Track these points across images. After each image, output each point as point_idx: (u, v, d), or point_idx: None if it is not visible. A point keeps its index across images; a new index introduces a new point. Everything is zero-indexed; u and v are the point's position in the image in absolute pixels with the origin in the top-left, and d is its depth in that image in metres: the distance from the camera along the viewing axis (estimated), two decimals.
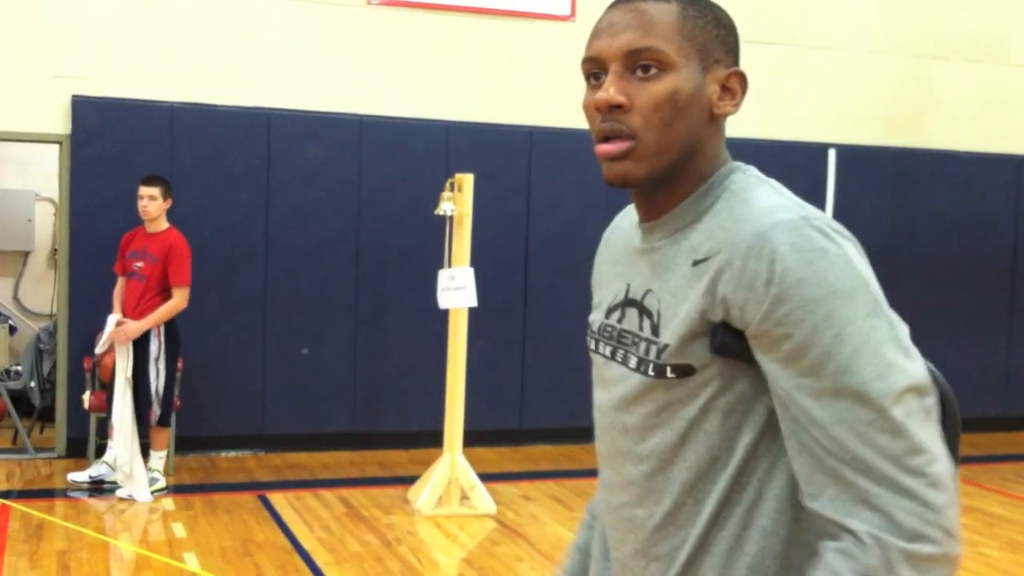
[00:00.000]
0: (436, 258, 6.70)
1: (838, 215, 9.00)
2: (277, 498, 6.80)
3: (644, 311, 1.49)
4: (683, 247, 1.45)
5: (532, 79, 8.38)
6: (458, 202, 6.55)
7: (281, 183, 7.90)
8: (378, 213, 8.03)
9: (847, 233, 1.39)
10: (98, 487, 6.81)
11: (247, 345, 7.89)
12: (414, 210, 7.70)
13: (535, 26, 8.50)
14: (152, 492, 6.70)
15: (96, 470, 6.85)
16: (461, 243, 6.58)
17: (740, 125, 9.12)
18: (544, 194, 8.39)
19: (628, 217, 1.66)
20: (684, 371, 1.42)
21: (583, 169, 8.52)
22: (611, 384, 1.56)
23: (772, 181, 1.49)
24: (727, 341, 1.38)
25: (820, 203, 9.06)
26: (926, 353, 1.40)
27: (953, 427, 1.46)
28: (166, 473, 6.99)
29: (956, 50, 9.49)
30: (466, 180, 6.61)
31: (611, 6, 1.50)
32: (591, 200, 8.40)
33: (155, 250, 6.79)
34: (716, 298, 1.38)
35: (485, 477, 6.76)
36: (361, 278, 8.05)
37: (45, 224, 9.73)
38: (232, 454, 7.91)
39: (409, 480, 7.00)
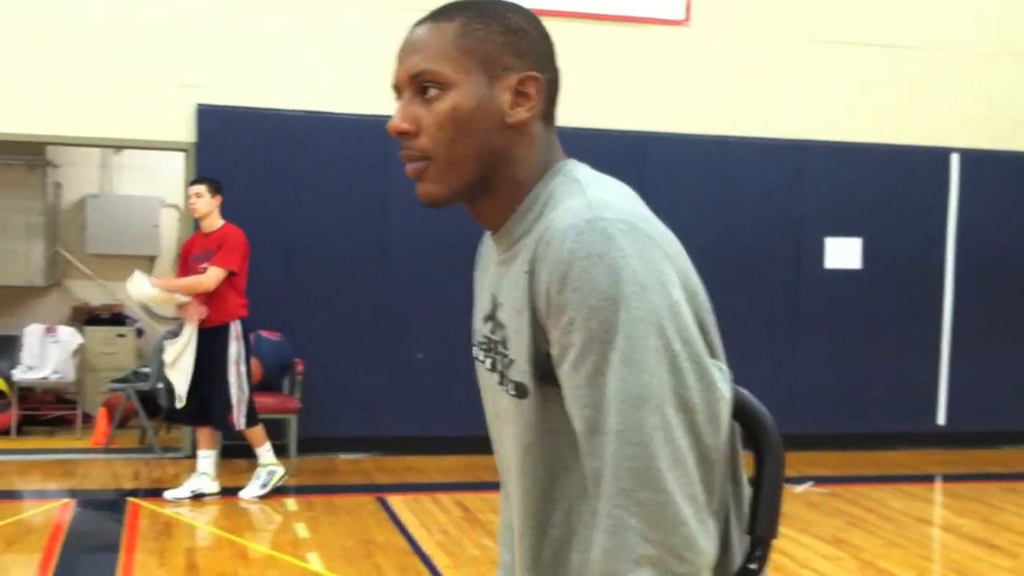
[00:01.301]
0: None
1: (961, 222, 8.84)
2: (395, 500, 6.89)
3: (498, 324, 1.49)
4: (521, 258, 1.44)
5: (645, 85, 8.36)
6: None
7: (397, 188, 8.00)
8: None
9: (644, 231, 1.33)
10: (198, 500, 6.80)
11: (365, 348, 8.01)
12: None
13: (648, 31, 8.48)
14: (272, 485, 6.79)
15: (195, 483, 6.85)
16: None
17: (857, 129, 9.03)
18: (658, 199, 8.34)
19: None
20: (521, 391, 1.42)
21: (698, 174, 8.48)
22: (490, 394, 1.58)
23: (585, 178, 1.44)
24: (548, 369, 1.37)
25: (943, 210, 8.88)
26: None
27: (773, 463, 1.45)
28: (289, 474, 7.11)
29: None
30: None
31: (410, 28, 1.52)
32: (705, 206, 8.36)
33: (213, 246, 6.75)
34: (534, 312, 1.37)
35: None
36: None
37: (170, 230, 10.01)
38: (350, 456, 8.04)
39: None
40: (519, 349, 1.41)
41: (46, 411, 8.98)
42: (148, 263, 10.14)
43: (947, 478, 8.21)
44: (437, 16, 1.48)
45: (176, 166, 8.71)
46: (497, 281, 1.51)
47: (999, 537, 6.48)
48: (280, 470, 6.90)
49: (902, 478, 7.98)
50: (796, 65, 8.77)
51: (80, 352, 8.99)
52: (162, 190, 9.98)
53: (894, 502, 7.20)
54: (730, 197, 8.54)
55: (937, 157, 8.87)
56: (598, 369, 1.29)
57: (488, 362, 1.55)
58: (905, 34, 8.89)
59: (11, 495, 7.00)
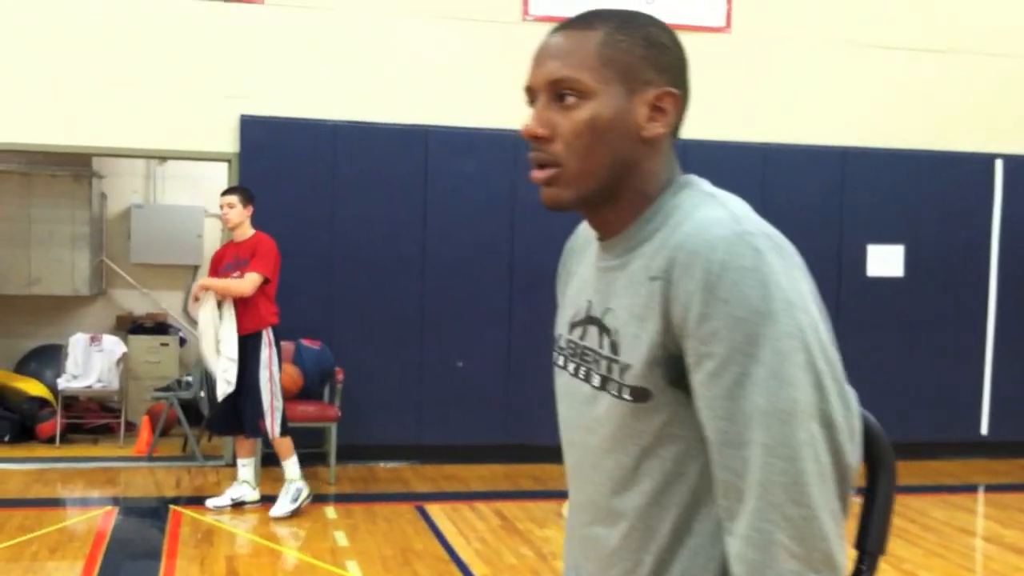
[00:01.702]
0: None
1: (1005, 229, 8.74)
2: (434, 509, 6.91)
3: (604, 329, 1.48)
4: (639, 265, 1.44)
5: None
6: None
7: (437, 197, 8.04)
8: (532, 226, 8.09)
9: (787, 249, 1.36)
10: (239, 508, 6.83)
11: (404, 356, 8.05)
12: (568, 223, 7.70)
13: (689, 39, 8.43)
14: (301, 503, 6.69)
15: (235, 492, 6.89)
16: None
17: (898, 135, 8.94)
18: None
19: (590, 229, 1.64)
20: (641, 395, 1.41)
21: (739, 181, 8.44)
22: (575, 401, 1.56)
23: (719, 193, 1.47)
24: (682, 374, 1.37)
25: (987, 216, 8.78)
26: None
27: (886, 482, 1.48)
28: (327, 482, 7.14)
29: None
30: None
31: (548, 33, 1.52)
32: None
33: (245, 254, 6.74)
34: (668, 320, 1.37)
35: None
36: (515, 290, 8.13)
37: (213, 239, 10.09)
38: (390, 464, 8.07)
39: (562, 494, 6.97)
40: (638, 354, 1.41)
41: (90, 419, 9.09)
42: (191, 272, 10.24)
43: (990, 488, 8.11)
44: (578, 24, 1.48)
45: (220, 176, 8.78)
46: (602, 286, 1.52)
47: None
48: (307, 489, 6.77)
49: (944, 488, 7.90)
50: (837, 71, 8.72)
51: (124, 361, 9.09)
52: (205, 200, 10.07)
53: (936, 512, 7.12)
54: (771, 204, 8.46)
55: (981, 163, 8.78)
56: (739, 382, 1.30)
57: (572, 367, 1.56)
58: (947, 39, 8.82)
59: (55, 502, 7.09)
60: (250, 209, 6.84)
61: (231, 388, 6.62)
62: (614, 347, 1.46)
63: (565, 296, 1.67)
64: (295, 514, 6.63)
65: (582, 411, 1.53)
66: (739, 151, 8.42)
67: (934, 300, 8.70)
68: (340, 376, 7.74)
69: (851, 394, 1.36)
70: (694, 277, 1.33)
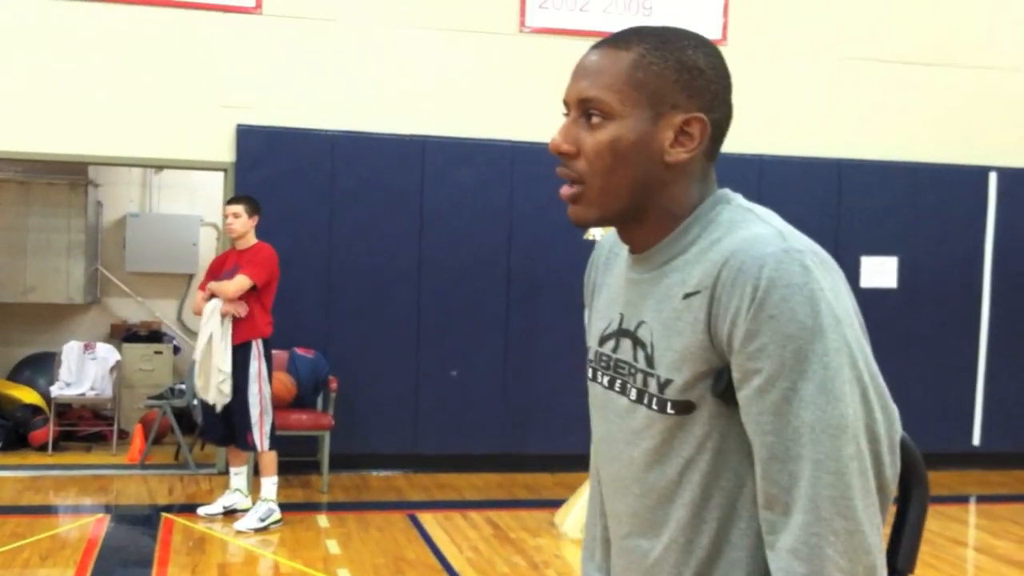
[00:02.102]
0: None
1: (999, 241, 8.77)
2: (427, 518, 6.91)
3: (638, 342, 1.49)
4: (673, 279, 1.46)
5: None
6: (608, 228, 6.57)
7: (434, 207, 8.06)
8: (528, 237, 8.12)
9: (831, 264, 1.38)
10: (231, 515, 6.77)
11: (400, 366, 8.05)
12: (564, 234, 7.74)
13: None
14: (269, 524, 6.56)
15: (227, 500, 6.86)
16: None
17: (893, 148, 8.96)
18: None
19: (616, 241, 1.66)
20: (684, 408, 1.42)
21: (738, 191, 8.45)
22: (612, 415, 1.56)
23: (758, 209, 1.48)
24: (726, 385, 1.38)
25: (980, 228, 8.81)
26: None
27: (919, 501, 1.50)
28: (319, 490, 7.12)
29: None
30: None
31: (589, 49, 1.52)
32: None
33: (244, 262, 6.67)
34: (711, 334, 1.39)
35: None
36: (511, 301, 8.14)
37: (208, 248, 10.11)
38: (384, 473, 8.07)
39: (555, 503, 7.03)
40: (679, 368, 1.42)
41: (83, 427, 9.09)
42: (186, 281, 10.24)
43: (982, 499, 8.12)
44: (616, 42, 1.48)
45: (216, 185, 8.81)
46: (633, 298, 1.53)
47: None
48: (279, 513, 6.62)
49: (937, 499, 7.83)
50: (832, 83, 8.75)
51: (117, 369, 9.09)
52: (201, 209, 10.09)
53: (929, 523, 7.08)
54: None
55: (975, 175, 8.81)
56: (787, 398, 1.32)
57: (607, 379, 1.57)
58: (941, 52, 8.85)
59: (47, 510, 7.08)
60: (255, 219, 6.78)
61: (227, 399, 6.60)
62: (649, 361, 1.47)
63: (594, 309, 1.68)
64: (258, 532, 6.50)
65: (620, 424, 1.54)
66: (735, 163, 8.39)
67: (927, 311, 8.72)
68: (334, 385, 7.74)
69: (894, 409, 1.38)
70: (742, 293, 1.34)
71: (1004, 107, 8.97)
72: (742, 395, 1.36)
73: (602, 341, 1.58)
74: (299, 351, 7.77)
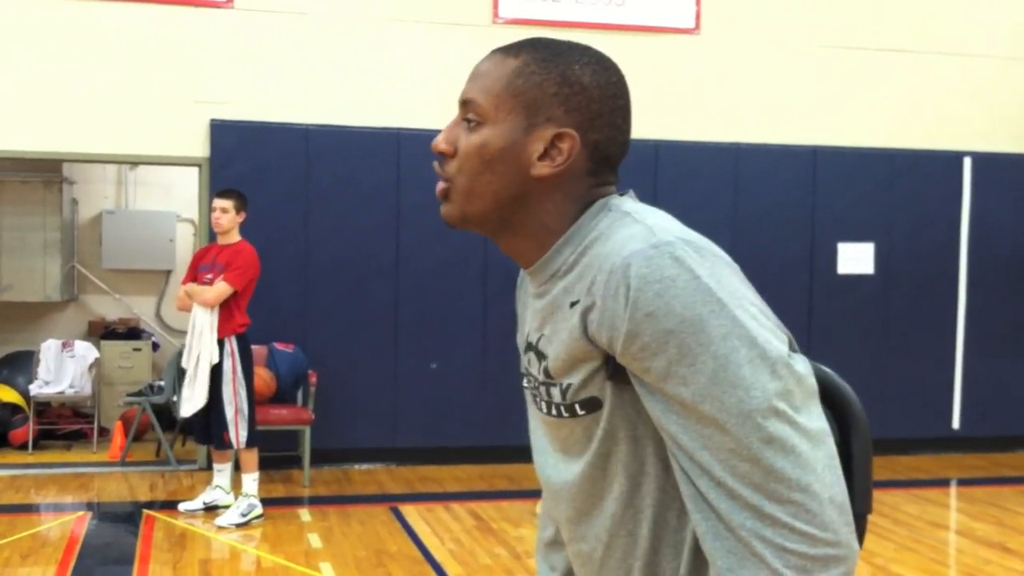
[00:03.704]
0: None
1: (974, 225, 8.83)
2: (409, 510, 6.92)
3: (540, 355, 1.48)
4: (560, 291, 1.44)
5: (657, 93, 8.38)
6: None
7: (411, 200, 8.05)
8: None
9: (709, 250, 1.33)
10: (212, 512, 6.76)
11: (379, 360, 8.05)
12: None
13: (659, 40, 8.50)
14: (250, 519, 6.57)
15: (209, 496, 6.85)
16: None
17: (868, 134, 9.02)
18: (671, 207, 8.34)
19: None
20: (592, 405, 1.41)
21: (710, 181, 8.48)
22: (537, 424, 1.57)
23: (639, 209, 1.43)
24: (619, 368, 1.36)
25: (956, 214, 8.87)
26: None
27: (860, 438, 1.44)
28: (301, 484, 7.12)
29: None
30: None
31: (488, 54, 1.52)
32: (717, 213, 8.37)
33: (223, 260, 6.66)
34: (589, 339, 1.37)
35: None
36: (489, 293, 8.15)
37: (185, 244, 10.08)
38: (365, 467, 8.07)
39: (537, 493, 6.98)
40: (577, 373, 1.41)
41: (63, 425, 9.05)
42: (164, 278, 10.21)
43: (961, 482, 8.18)
44: (508, 49, 1.48)
45: (190, 181, 8.78)
46: (535, 313, 1.52)
47: (1013, 541, 6.46)
48: (260, 508, 6.64)
49: (916, 483, 7.96)
50: (807, 71, 8.78)
51: (96, 366, 9.05)
52: (177, 205, 10.05)
53: (908, 507, 7.18)
54: (742, 204, 8.55)
55: (949, 161, 8.86)
56: (680, 394, 1.28)
57: (528, 393, 1.57)
58: (915, 39, 8.89)
59: (28, 508, 7.05)
60: (242, 216, 6.74)
61: (201, 404, 6.58)
62: (547, 372, 1.45)
63: (520, 322, 1.67)
64: (240, 527, 6.49)
65: (545, 433, 1.55)
66: (711, 151, 8.47)
67: (904, 297, 8.77)
68: (314, 379, 7.74)
69: (805, 370, 1.32)
70: (615, 296, 1.31)
71: (977, 93, 9.02)
72: (639, 392, 1.34)
73: (523, 355, 1.57)
74: (278, 346, 7.76)
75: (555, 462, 1.54)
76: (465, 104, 1.47)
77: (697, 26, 8.53)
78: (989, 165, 8.90)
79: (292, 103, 7.97)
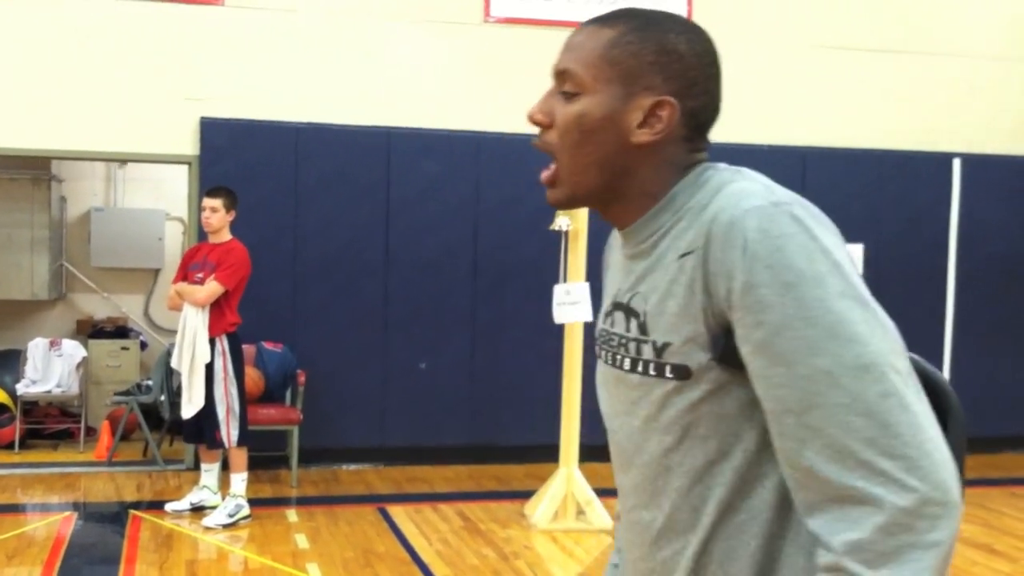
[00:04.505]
0: (552, 273, 6.74)
1: (963, 226, 8.83)
2: (397, 511, 6.90)
3: (630, 312, 1.49)
4: (666, 245, 1.45)
5: None
6: (573, 217, 6.57)
7: (401, 199, 8.03)
8: (495, 228, 8.10)
9: (822, 217, 1.36)
10: (199, 512, 6.73)
11: (368, 359, 8.03)
12: (531, 225, 7.74)
13: None
14: (238, 520, 6.55)
15: (196, 496, 6.83)
16: (576, 258, 6.60)
17: (857, 135, 9.00)
18: None
19: None
20: (682, 373, 1.40)
21: None
22: (612, 387, 1.56)
23: (745, 170, 1.47)
24: (730, 350, 1.36)
25: (945, 215, 8.87)
26: None
27: (957, 439, 1.44)
28: (289, 485, 7.10)
29: None
30: None
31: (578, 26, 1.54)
32: None
33: (214, 259, 6.64)
34: (709, 293, 1.36)
35: (601, 492, 6.74)
36: (478, 292, 8.13)
37: (174, 243, 10.04)
38: (353, 467, 8.05)
39: (526, 494, 7.03)
40: (676, 331, 1.40)
41: (50, 424, 9.01)
42: (152, 276, 10.17)
43: None
44: (603, 20, 1.49)
45: (180, 179, 8.75)
46: (628, 273, 1.52)
47: (1000, 542, 6.46)
48: (247, 509, 6.61)
49: None
50: (796, 71, 8.77)
51: (84, 365, 9.02)
52: (166, 203, 10.02)
53: None
54: None
55: (939, 162, 8.86)
56: (795, 347, 1.28)
57: (604, 354, 1.56)
58: (906, 40, 8.89)
59: (14, 508, 7.02)
60: (232, 215, 6.72)
61: (201, 404, 6.55)
62: (642, 328, 1.45)
63: (604, 292, 1.67)
64: (227, 528, 6.46)
65: (619, 396, 1.54)
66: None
67: (893, 297, 8.69)
68: (303, 379, 7.71)
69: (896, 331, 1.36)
70: (735, 247, 1.32)
71: (967, 94, 9.03)
72: (746, 351, 1.33)
73: (604, 318, 1.58)
74: (267, 345, 7.73)
75: (625, 425, 1.53)
76: (561, 75, 1.48)
77: None
78: (979, 166, 8.90)
79: (282, 101, 7.94)
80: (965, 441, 1.47)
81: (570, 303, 6.54)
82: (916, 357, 1.43)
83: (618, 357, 1.51)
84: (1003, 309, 8.97)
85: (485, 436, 8.18)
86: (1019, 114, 9.13)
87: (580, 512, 6.60)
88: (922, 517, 1.24)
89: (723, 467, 1.41)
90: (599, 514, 6.55)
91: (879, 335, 1.30)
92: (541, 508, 6.59)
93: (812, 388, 1.27)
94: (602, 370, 1.59)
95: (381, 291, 8.04)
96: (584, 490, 6.60)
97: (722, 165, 1.49)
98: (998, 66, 9.08)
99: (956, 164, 8.89)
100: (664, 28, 1.47)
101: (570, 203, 1.52)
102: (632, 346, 1.47)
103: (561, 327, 6.72)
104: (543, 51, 8.99)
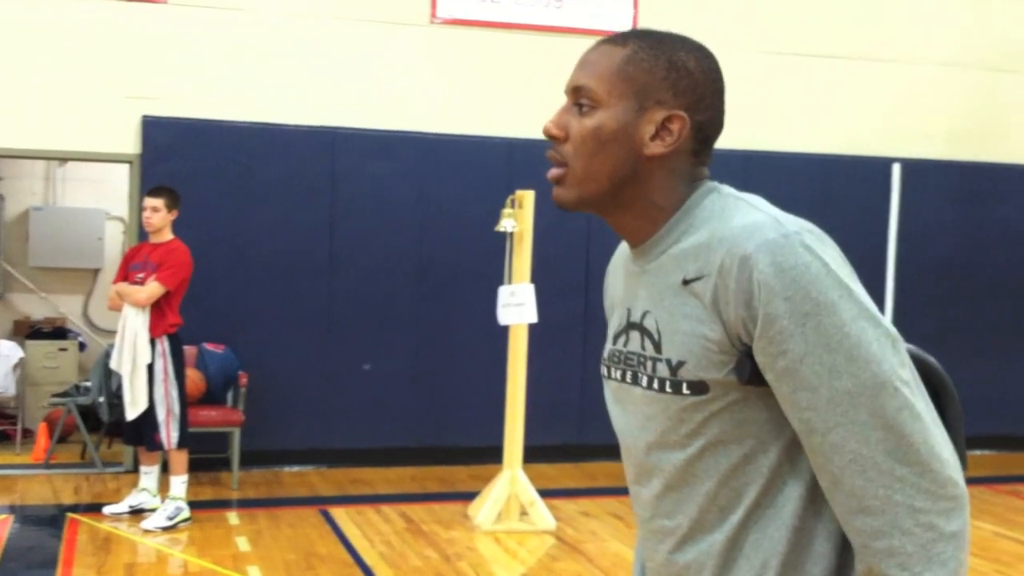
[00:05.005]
0: (498, 275, 6.74)
1: (903, 230, 8.93)
2: (339, 513, 6.86)
3: (645, 332, 1.57)
4: (671, 267, 1.54)
5: None
6: (519, 219, 6.58)
7: (346, 200, 8.00)
8: (441, 230, 8.09)
9: (826, 238, 1.46)
10: (138, 515, 6.63)
11: (311, 361, 7.98)
12: (477, 227, 7.73)
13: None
14: (177, 523, 6.46)
15: (135, 499, 6.74)
16: (522, 260, 6.61)
17: (803, 140, 9.08)
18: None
19: (622, 252, 1.74)
20: (699, 388, 1.49)
21: None
22: (629, 405, 1.63)
23: (747, 196, 1.56)
24: (755, 371, 1.45)
25: (884, 218, 8.98)
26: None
27: (954, 415, 1.55)
28: (230, 487, 7.04)
29: None
30: (527, 197, 6.64)
31: (593, 45, 1.63)
32: None
33: (156, 259, 6.54)
34: (722, 320, 1.45)
35: (545, 493, 6.77)
36: (424, 294, 8.11)
37: (115, 242, 9.92)
38: (296, 469, 8.00)
39: (469, 496, 7.02)
40: (690, 351, 1.48)
41: None
42: (92, 276, 10.04)
43: None
44: (615, 39, 1.58)
45: (121, 178, 8.64)
46: (638, 291, 1.60)
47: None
48: (187, 512, 6.53)
49: None
50: (739, 76, 8.80)
51: (21, 366, 8.87)
52: (107, 202, 9.89)
53: None
54: None
55: (878, 167, 8.96)
56: (817, 372, 1.39)
57: (619, 373, 1.64)
58: (847, 46, 9.00)
59: None
60: (174, 214, 6.63)
61: (144, 406, 6.46)
62: (657, 347, 1.53)
63: (610, 310, 1.75)
64: (167, 531, 6.38)
65: (635, 412, 1.60)
66: None
67: None
68: (244, 380, 7.65)
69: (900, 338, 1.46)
70: (751, 281, 1.41)
71: (907, 100, 9.16)
72: (771, 377, 1.43)
73: (615, 339, 1.66)
74: (208, 346, 7.66)
75: (640, 440, 1.59)
76: (577, 91, 1.57)
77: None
78: (918, 171, 9.01)
79: (226, 100, 7.87)
80: (962, 414, 1.58)
81: (515, 304, 6.55)
82: (911, 347, 1.53)
83: (638, 375, 1.58)
84: (942, 313, 9.10)
85: (429, 438, 8.16)
86: (958, 120, 9.28)
87: (523, 513, 6.60)
88: (940, 513, 1.38)
89: (749, 468, 1.50)
90: (542, 515, 6.56)
91: (889, 350, 1.41)
92: (484, 509, 6.58)
93: (836, 409, 1.39)
94: (614, 388, 1.67)
95: (325, 292, 8.00)
96: (528, 491, 6.61)
97: (726, 189, 1.58)
98: (938, 72, 9.22)
99: (895, 169, 8.99)
100: (674, 47, 1.57)
101: (576, 205, 1.59)
102: (649, 364, 1.55)
103: (506, 329, 6.72)
104: (489, 52, 9.00)
